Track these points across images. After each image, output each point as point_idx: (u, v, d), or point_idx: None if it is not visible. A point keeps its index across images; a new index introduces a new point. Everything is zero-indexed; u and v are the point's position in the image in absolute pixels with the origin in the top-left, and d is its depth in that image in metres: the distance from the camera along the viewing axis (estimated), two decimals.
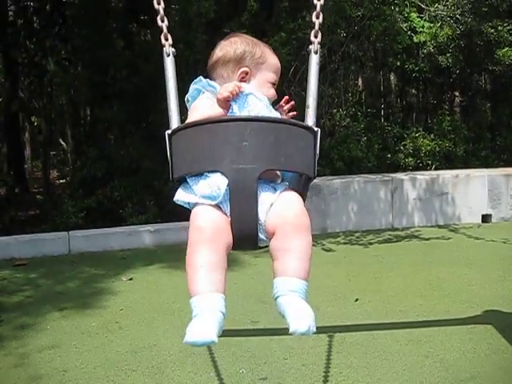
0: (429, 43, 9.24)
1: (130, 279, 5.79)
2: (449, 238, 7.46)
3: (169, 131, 2.03)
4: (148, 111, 9.02)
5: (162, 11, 2.29)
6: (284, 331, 3.34)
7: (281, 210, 1.83)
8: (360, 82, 14.91)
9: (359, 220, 8.10)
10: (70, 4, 9.93)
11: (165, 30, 2.29)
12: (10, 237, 7.15)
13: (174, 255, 6.78)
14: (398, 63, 11.29)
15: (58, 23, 9.23)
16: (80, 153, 10.40)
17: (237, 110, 1.93)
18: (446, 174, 8.60)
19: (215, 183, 1.80)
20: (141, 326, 4.45)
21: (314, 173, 1.99)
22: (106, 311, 4.81)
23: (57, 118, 14.56)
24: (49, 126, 13.48)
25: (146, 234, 7.37)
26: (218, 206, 1.83)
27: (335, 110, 10.83)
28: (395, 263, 6.25)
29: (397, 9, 9.48)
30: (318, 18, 2.31)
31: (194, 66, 8.49)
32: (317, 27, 2.27)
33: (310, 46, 2.25)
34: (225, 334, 4.24)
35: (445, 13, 9.84)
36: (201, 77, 2.07)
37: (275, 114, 2.03)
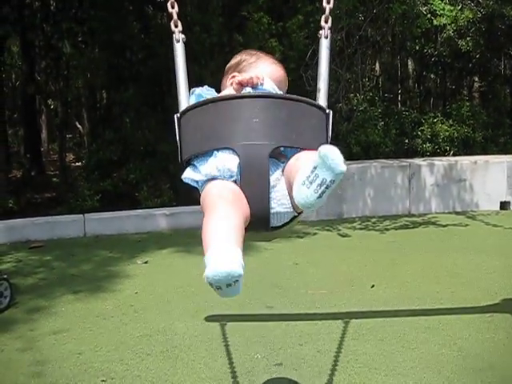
0: (449, 27, 9.05)
1: (145, 262, 5.79)
2: (466, 225, 7.36)
3: (178, 114, 1.97)
4: (163, 94, 8.97)
5: None
6: (299, 316, 3.28)
7: (294, 161, 1.74)
8: (377, 66, 14.73)
9: (376, 205, 8.02)
10: None
11: (175, 16, 2.27)
12: (26, 219, 7.17)
13: (190, 239, 6.76)
14: (417, 47, 11.11)
15: (74, 6, 9.18)
16: (96, 136, 10.40)
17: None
18: (465, 160, 8.48)
19: (225, 164, 1.74)
20: (155, 309, 4.44)
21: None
22: (121, 294, 4.81)
23: (73, 101, 14.59)
24: (65, 108, 13.51)
25: (161, 218, 7.36)
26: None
27: (352, 95, 10.70)
28: (412, 249, 6.18)
29: None
30: (328, 2, 2.31)
31: (210, 49, 8.42)
32: (327, 12, 2.28)
33: (321, 31, 2.25)
34: (240, 318, 4.25)
35: None
36: (206, 86, 2.05)
37: None
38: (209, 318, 4.22)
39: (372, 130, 9.62)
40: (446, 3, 9.26)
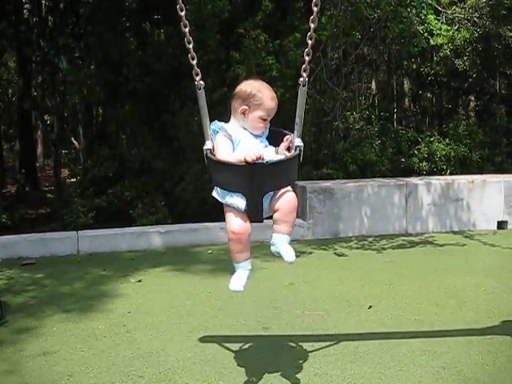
0: (446, 46, 9.08)
1: (139, 281, 5.69)
2: (464, 245, 7.31)
3: (205, 147, 3.01)
4: (160, 111, 8.92)
5: (192, 51, 2.92)
6: (295, 338, 3.21)
7: (281, 197, 2.97)
8: (373, 85, 14.76)
9: (372, 225, 7.96)
10: (84, 2, 9.85)
11: (195, 67, 2.93)
12: (19, 235, 7.08)
13: (184, 258, 6.71)
14: (414, 66, 11.13)
15: (71, 21, 9.16)
16: (91, 152, 10.33)
17: None
18: (462, 180, 8.44)
19: (238, 203, 2.93)
20: (149, 329, 4.34)
21: (298, 176, 3.17)
22: (114, 314, 4.71)
23: (69, 117, 14.54)
24: (61, 124, 13.46)
25: (155, 236, 7.27)
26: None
27: (349, 113, 10.69)
28: (409, 270, 6.11)
29: (414, 11, 9.32)
30: (308, 55, 2.91)
31: (206, 66, 8.39)
32: (306, 63, 2.90)
33: (300, 79, 2.93)
34: (235, 339, 4.14)
35: (462, 15, 9.66)
36: (215, 121, 3.05)
37: (271, 150, 3.05)
38: (203, 339, 4.13)
39: (368, 148, 9.59)
40: (442, 23, 9.29)
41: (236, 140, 3.01)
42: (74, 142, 16.66)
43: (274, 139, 3.15)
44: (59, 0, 9.95)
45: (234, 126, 3.07)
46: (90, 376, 3.53)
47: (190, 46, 2.92)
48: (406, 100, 14.16)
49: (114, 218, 8.61)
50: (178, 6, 2.86)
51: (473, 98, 13.32)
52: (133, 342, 4.09)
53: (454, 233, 8.06)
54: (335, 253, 6.97)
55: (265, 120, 3.03)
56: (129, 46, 8.96)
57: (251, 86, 3.05)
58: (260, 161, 2.85)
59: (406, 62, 11.31)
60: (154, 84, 8.79)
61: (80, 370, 3.62)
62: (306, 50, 2.93)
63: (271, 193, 2.98)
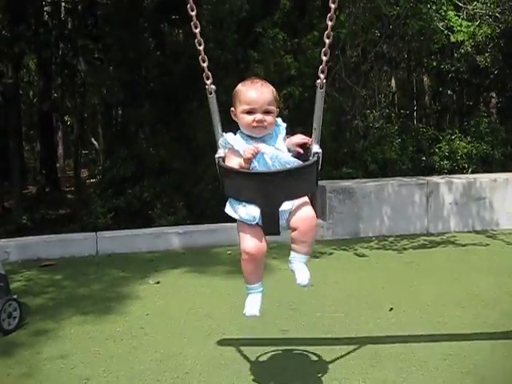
0: (467, 43, 8.93)
1: (157, 283, 5.67)
2: (487, 245, 7.17)
3: (217, 155, 2.83)
4: (178, 111, 8.91)
5: (202, 52, 2.75)
6: (315, 341, 3.14)
7: (298, 214, 2.77)
8: (393, 82, 14.62)
9: (393, 224, 7.85)
10: (102, 4, 9.87)
11: (206, 70, 2.77)
12: (38, 237, 7.12)
13: (203, 258, 6.68)
14: (434, 63, 10.96)
15: (89, 23, 9.19)
16: (110, 152, 10.37)
17: (257, 164, 2.73)
18: (484, 178, 8.30)
19: (251, 213, 2.75)
20: (167, 332, 4.31)
21: (316, 187, 2.96)
22: (132, 316, 4.69)
23: (89, 118, 14.62)
24: (81, 125, 13.54)
25: (174, 236, 7.25)
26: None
27: (368, 111, 10.58)
28: (431, 270, 6.00)
29: (433, 7, 9.17)
30: (325, 54, 2.70)
31: (224, 66, 8.35)
32: (324, 64, 2.69)
33: (318, 81, 2.71)
34: (253, 342, 4.09)
35: (484, 11, 9.49)
36: (224, 134, 2.83)
37: (283, 149, 2.82)
38: (221, 342, 4.08)
39: (388, 147, 9.47)
40: (463, 19, 9.13)
41: (241, 150, 2.78)
42: (94, 142, 16.77)
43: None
44: (78, 2, 10.00)
45: (239, 137, 2.83)
46: (107, 380, 3.51)
47: (201, 47, 2.77)
48: (426, 97, 14.00)
49: (133, 218, 8.62)
50: (188, 6, 2.73)
51: (494, 95, 13.11)
52: (151, 345, 4.06)
53: (477, 232, 7.92)
54: (355, 253, 6.89)
55: (250, 113, 2.73)
56: (147, 47, 8.96)
57: (236, 88, 2.84)
58: (260, 154, 2.69)
59: (425, 60, 11.14)
60: (171, 84, 8.78)
61: (97, 373, 3.59)
62: (324, 49, 2.72)
63: (288, 206, 2.77)
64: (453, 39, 8.85)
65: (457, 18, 8.91)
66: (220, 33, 8.15)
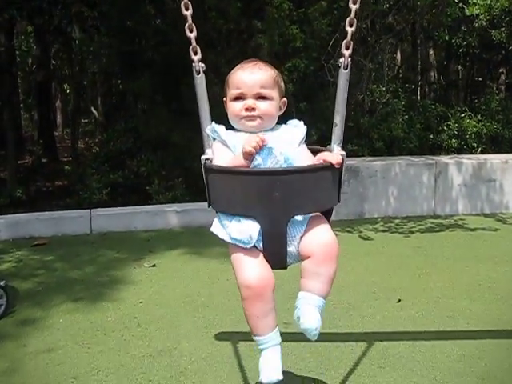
0: (481, 16, 8.51)
1: (153, 266, 5.41)
2: (496, 230, 6.89)
3: (204, 156, 2.13)
4: (177, 83, 8.54)
5: (190, 19, 2.18)
6: (319, 336, 2.87)
7: (313, 237, 2.03)
8: (398, 55, 14.20)
9: (399, 205, 7.57)
10: None
11: (193, 42, 2.20)
12: (31, 214, 6.84)
13: (201, 238, 6.40)
14: (446, 37, 10.54)
15: None
16: (108, 124, 10.04)
17: (261, 161, 2.01)
18: (495, 159, 7.97)
19: (247, 231, 1.98)
20: (161, 323, 4.05)
21: (338, 200, 2.14)
22: (125, 304, 4.43)
23: (88, 87, 14.26)
24: (78, 95, 13.19)
25: (172, 215, 6.97)
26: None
27: (375, 86, 10.20)
28: (439, 257, 5.73)
29: None
30: (351, 25, 2.15)
31: (226, 36, 7.98)
32: (349, 37, 2.13)
33: (340, 60, 2.14)
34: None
35: None
36: (212, 123, 2.17)
37: (296, 148, 2.11)
38: (219, 336, 3.83)
39: (396, 124, 9.13)
40: None
41: (234, 146, 2.09)
42: (94, 111, 16.39)
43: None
44: None
45: (232, 132, 2.18)
46: (95, 379, 3.26)
47: (188, 12, 2.19)
48: (432, 73, 13.58)
49: (130, 194, 8.35)
50: None
51: (504, 71, 12.71)
52: (143, 338, 3.81)
53: (486, 215, 7.64)
54: (360, 236, 6.62)
55: (239, 98, 2.12)
56: (145, 14, 8.53)
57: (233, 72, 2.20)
58: (266, 146, 2.01)
59: (436, 33, 10.70)
60: (171, 54, 8.39)
61: (85, 371, 3.34)
62: (349, 18, 2.13)
63: (300, 225, 2.06)
64: (468, 13, 8.42)
65: None
66: (222, 1, 7.74)
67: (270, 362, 2.07)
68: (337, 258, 2.04)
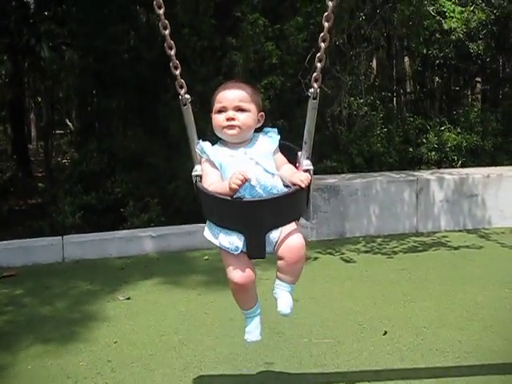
0: (459, 29, 8.45)
1: (128, 298, 5.16)
2: (480, 247, 6.76)
3: (194, 173, 2.56)
4: (151, 101, 8.33)
5: (174, 57, 2.38)
6: (304, 378, 2.65)
7: (285, 244, 2.51)
8: (374, 63, 14.09)
9: (381, 224, 7.42)
10: None
11: (179, 77, 2.43)
12: None
13: (178, 265, 6.20)
14: (424, 50, 10.45)
15: (53, 5, 8.47)
16: (82, 142, 9.78)
17: (243, 193, 2.45)
18: (476, 174, 7.86)
19: (234, 243, 2.49)
20: (136, 367, 3.80)
21: (307, 208, 2.66)
22: (98, 344, 4.17)
23: (62, 103, 13.97)
24: (52, 108, 12.91)
25: (147, 240, 6.73)
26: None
27: (352, 99, 10.06)
28: (424, 280, 5.57)
29: None
30: (320, 61, 2.36)
31: (200, 54, 7.78)
32: (318, 71, 2.37)
33: (310, 90, 2.41)
34: (237, 380, 3.60)
35: None
36: (200, 141, 2.58)
37: (271, 166, 2.56)
38: (198, 380, 3.61)
39: (375, 138, 8.99)
40: (455, 3, 8.59)
41: (220, 165, 2.53)
42: (69, 123, 16.00)
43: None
44: None
45: (217, 147, 2.62)
46: None
47: (172, 52, 2.37)
48: (410, 83, 13.49)
49: (104, 216, 8.09)
50: (154, 3, 2.26)
51: (480, 81, 12.66)
52: None
53: (468, 231, 7.52)
54: (342, 258, 6.45)
55: (221, 111, 2.53)
56: (117, 32, 8.29)
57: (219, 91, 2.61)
58: (248, 180, 2.40)
59: (413, 45, 10.60)
60: (144, 72, 8.17)
61: None
62: (318, 54, 2.35)
63: (276, 234, 2.53)
64: (446, 26, 8.34)
65: (449, 2, 8.39)
66: (196, 18, 7.55)
67: (252, 327, 2.78)
68: (304, 257, 2.58)
